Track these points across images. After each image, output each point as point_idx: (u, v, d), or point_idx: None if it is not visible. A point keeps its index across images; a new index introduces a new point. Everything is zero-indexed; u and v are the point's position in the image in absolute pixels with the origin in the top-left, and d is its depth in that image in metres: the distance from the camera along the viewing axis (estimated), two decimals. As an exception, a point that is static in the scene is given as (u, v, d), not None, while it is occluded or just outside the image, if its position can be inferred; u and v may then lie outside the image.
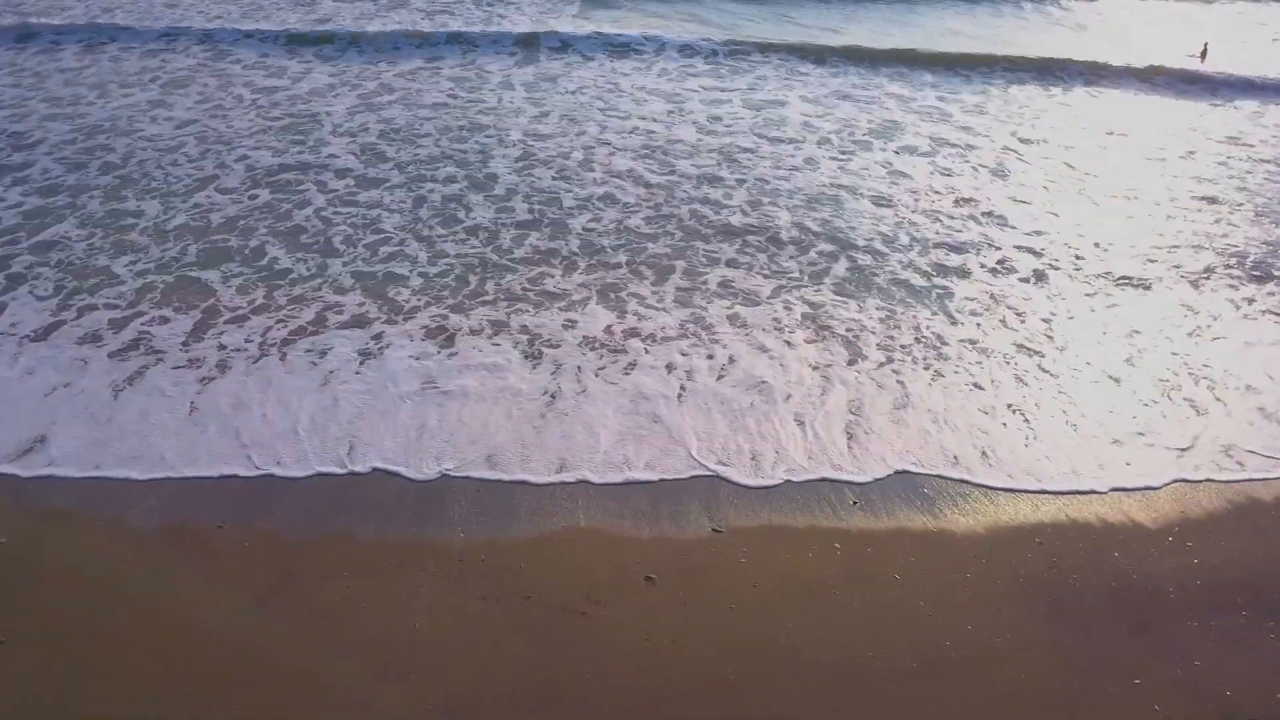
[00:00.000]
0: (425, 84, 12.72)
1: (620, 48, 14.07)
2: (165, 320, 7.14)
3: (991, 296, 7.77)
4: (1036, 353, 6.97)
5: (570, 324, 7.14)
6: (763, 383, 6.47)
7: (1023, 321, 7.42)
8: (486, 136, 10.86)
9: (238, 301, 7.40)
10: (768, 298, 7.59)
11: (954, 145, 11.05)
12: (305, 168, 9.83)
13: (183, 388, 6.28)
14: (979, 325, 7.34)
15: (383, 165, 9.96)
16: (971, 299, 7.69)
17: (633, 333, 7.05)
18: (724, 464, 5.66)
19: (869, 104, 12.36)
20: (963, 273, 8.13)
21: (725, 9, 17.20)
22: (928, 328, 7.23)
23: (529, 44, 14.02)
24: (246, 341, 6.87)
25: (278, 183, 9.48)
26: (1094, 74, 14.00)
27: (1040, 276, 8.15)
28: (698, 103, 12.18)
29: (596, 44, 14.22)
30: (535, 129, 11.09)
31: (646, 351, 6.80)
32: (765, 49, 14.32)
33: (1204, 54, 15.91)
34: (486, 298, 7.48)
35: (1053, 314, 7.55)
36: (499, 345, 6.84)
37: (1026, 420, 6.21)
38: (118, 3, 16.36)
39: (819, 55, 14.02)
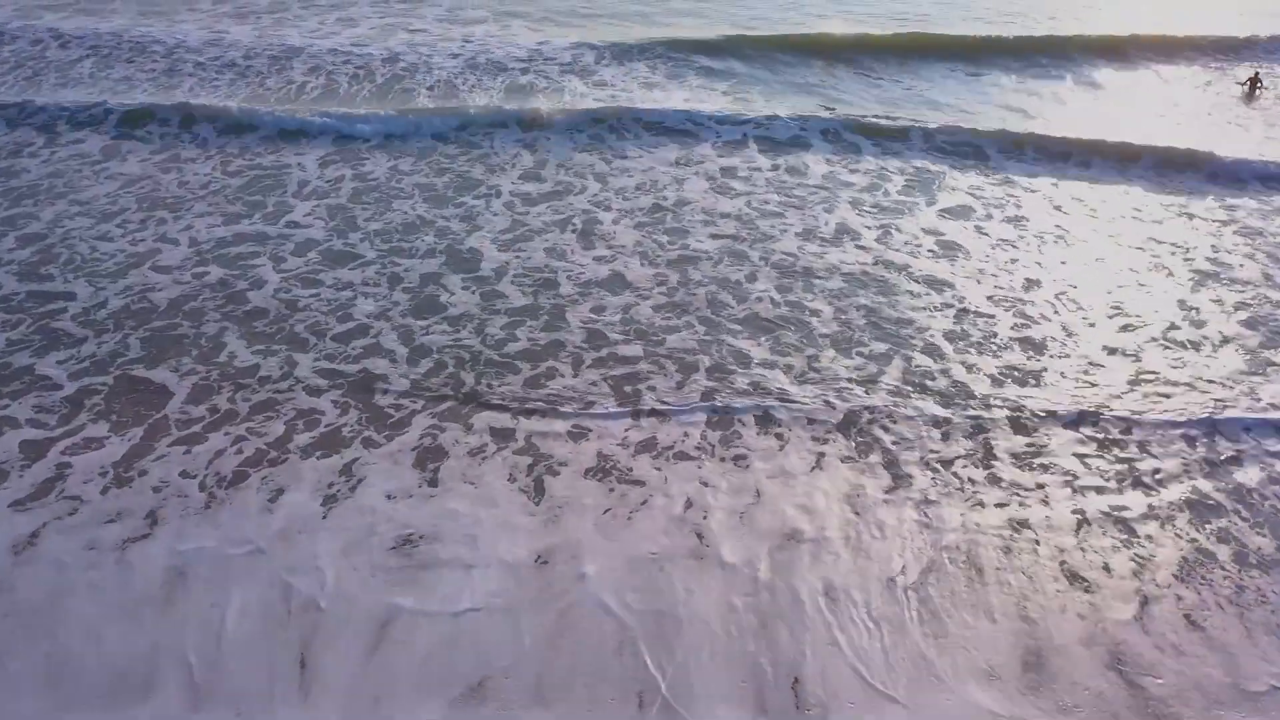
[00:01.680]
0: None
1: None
2: (96, 443, 6.23)
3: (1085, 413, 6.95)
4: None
5: (579, 433, 6.44)
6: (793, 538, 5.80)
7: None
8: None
9: (192, 413, 6.56)
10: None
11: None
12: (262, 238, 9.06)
13: (85, 577, 5.20)
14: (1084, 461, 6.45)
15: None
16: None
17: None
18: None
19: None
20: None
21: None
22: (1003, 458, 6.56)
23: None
24: (188, 478, 5.97)
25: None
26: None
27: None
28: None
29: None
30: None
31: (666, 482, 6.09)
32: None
33: (1254, 85, 14.09)
34: (482, 400, 6.75)
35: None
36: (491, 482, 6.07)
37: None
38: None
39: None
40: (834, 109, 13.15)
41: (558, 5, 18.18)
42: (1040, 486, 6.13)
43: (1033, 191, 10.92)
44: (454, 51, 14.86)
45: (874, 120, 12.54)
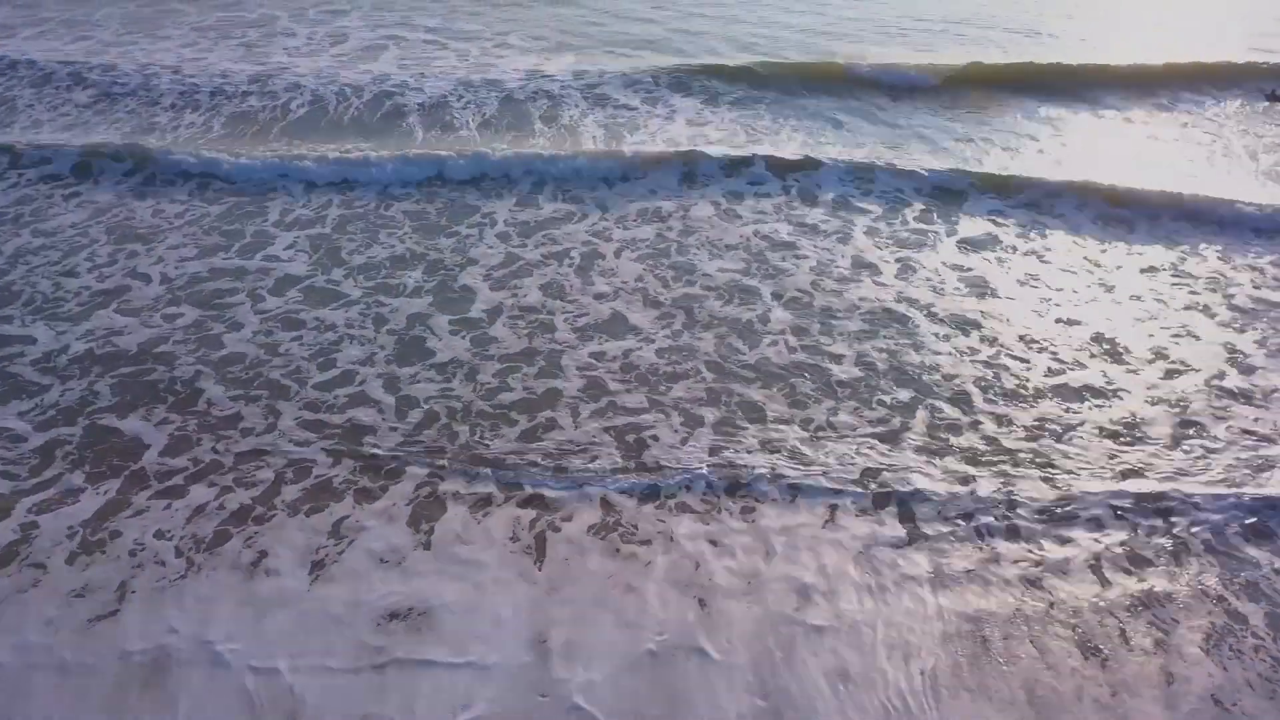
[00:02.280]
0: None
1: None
2: (72, 497, 5.91)
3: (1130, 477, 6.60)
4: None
5: (579, 492, 6.03)
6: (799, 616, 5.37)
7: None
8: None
9: (170, 464, 6.25)
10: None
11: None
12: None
13: (36, 674, 4.77)
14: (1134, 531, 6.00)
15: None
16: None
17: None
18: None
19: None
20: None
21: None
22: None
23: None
24: (164, 539, 5.60)
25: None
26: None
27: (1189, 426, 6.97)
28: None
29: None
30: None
31: (671, 542, 5.67)
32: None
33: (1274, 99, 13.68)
34: (476, 456, 6.32)
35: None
36: (487, 546, 5.69)
37: None
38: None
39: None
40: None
41: (553, 22, 17.74)
42: (1074, 558, 5.67)
43: (1059, 216, 10.45)
44: (459, 77, 14.40)
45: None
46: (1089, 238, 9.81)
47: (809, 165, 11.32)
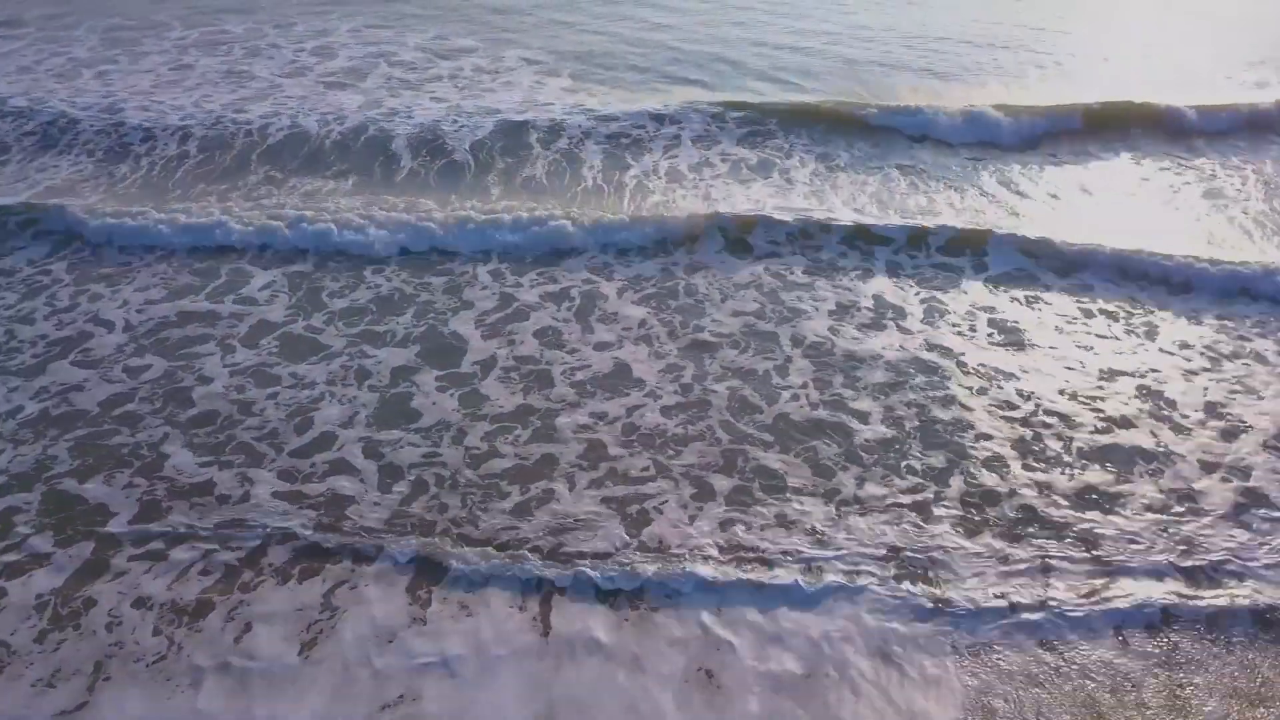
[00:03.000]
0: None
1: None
2: (39, 559, 5.64)
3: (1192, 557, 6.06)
4: None
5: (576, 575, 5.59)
6: None
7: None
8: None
9: (145, 531, 5.94)
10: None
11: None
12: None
13: None
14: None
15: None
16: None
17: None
18: None
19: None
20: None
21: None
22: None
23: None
24: (142, 610, 5.28)
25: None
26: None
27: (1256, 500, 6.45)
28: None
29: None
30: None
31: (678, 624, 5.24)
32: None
33: None
34: (464, 530, 5.86)
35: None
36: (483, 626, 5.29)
37: None
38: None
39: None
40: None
41: (552, 35, 17.24)
42: (1129, 661, 5.15)
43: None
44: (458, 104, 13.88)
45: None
46: (1130, 282, 9.24)
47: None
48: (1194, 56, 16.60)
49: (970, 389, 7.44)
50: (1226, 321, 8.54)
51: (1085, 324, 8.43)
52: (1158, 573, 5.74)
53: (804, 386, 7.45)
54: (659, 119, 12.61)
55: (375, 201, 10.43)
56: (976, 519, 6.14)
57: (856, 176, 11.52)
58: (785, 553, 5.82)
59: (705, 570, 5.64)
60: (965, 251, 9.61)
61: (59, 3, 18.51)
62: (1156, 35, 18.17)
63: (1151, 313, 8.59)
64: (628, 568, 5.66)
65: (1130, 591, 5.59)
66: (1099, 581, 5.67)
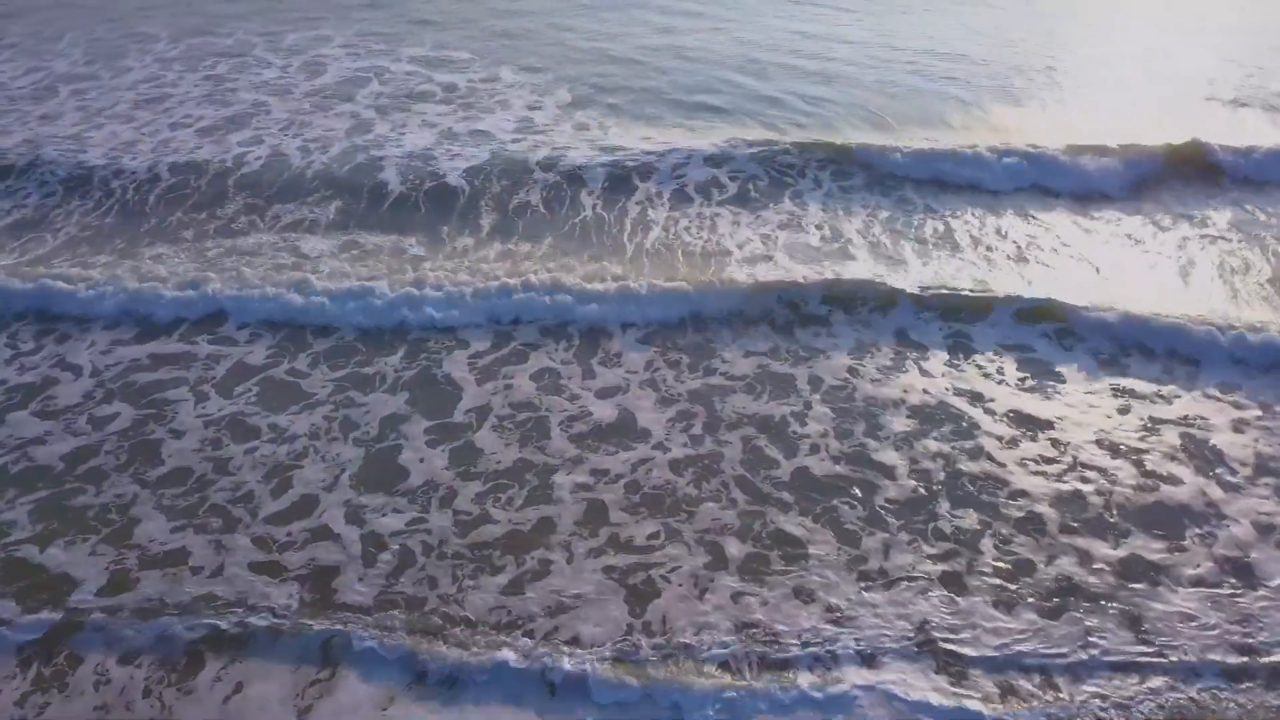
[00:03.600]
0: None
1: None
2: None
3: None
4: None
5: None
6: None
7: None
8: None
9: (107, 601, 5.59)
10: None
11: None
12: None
13: None
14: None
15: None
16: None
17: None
18: None
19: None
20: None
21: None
22: None
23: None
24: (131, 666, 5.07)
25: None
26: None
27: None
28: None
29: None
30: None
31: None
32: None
33: None
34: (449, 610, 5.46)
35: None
36: None
37: None
38: None
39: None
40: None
41: (554, 48, 16.77)
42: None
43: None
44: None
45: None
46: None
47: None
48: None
49: (1001, 439, 7.00)
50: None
51: (1123, 364, 7.95)
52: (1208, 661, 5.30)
53: (824, 435, 7.01)
54: (659, 155, 11.41)
55: (356, 243, 9.96)
56: (1011, 591, 5.70)
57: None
58: (802, 637, 5.37)
59: (706, 685, 5.14)
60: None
61: (48, 8, 18.18)
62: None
63: (1194, 363, 8.05)
64: (626, 670, 5.21)
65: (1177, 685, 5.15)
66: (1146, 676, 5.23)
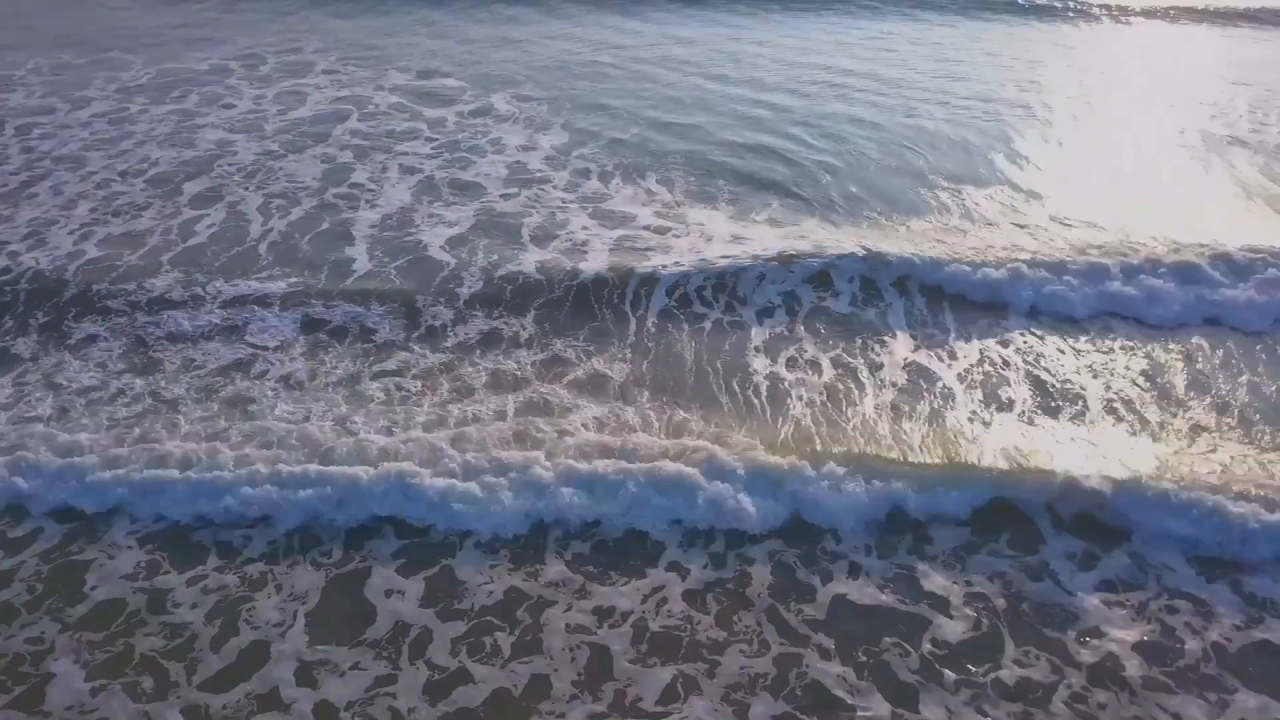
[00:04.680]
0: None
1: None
2: None
3: None
4: None
5: None
6: None
7: None
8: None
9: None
10: None
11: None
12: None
13: None
14: None
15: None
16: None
17: None
18: None
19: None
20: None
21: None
22: None
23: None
24: None
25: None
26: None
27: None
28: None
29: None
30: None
31: None
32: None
33: None
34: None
35: None
36: None
37: None
38: None
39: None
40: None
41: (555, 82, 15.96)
42: None
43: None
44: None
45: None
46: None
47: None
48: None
49: (1063, 553, 6.15)
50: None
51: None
52: None
53: (866, 553, 6.15)
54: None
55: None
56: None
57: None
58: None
59: None
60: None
61: (11, 31, 17.46)
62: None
63: None
64: None
65: None
66: None
